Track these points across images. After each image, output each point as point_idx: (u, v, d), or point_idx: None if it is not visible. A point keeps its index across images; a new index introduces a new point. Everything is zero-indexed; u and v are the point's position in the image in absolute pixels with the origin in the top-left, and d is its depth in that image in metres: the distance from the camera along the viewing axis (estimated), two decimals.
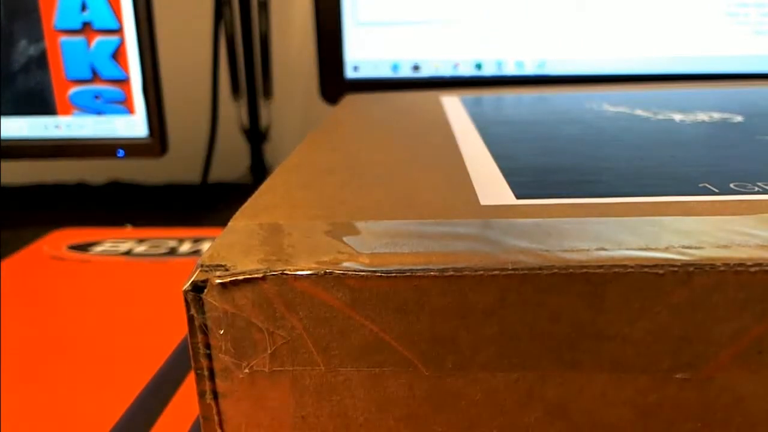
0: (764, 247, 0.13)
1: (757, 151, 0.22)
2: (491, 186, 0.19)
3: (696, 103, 0.33)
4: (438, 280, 0.13)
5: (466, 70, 0.54)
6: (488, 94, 0.40)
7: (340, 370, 0.14)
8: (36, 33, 0.50)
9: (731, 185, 0.18)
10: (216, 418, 0.14)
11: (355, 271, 0.13)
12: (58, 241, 0.46)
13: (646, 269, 0.13)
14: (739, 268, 0.13)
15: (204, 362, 0.14)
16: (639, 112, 0.31)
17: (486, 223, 0.15)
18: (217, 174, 0.64)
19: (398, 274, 0.13)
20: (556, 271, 0.13)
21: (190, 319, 0.14)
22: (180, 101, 0.66)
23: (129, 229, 0.49)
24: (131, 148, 0.51)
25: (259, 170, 0.63)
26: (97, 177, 0.65)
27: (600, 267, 0.13)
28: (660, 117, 0.29)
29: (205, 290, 0.13)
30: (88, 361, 0.29)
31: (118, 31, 0.49)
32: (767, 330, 0.13)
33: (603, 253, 0.13)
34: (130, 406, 0.26)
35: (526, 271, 0.13)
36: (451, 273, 0.13)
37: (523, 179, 0.19)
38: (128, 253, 0.43)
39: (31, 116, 0.52)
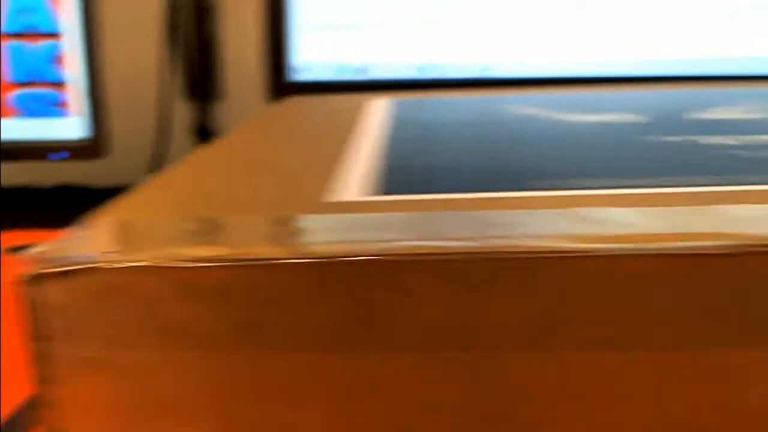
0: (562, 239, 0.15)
1: (642, 151, 0.23)
2: (348, 185, 0.20)
3: (611, 104, 0.34)
4: (239, 269, 0.14)
5: (410, 73, 0.55)
6: (428, 97, 0.41)
7: (160, 355, 0.15)
8: None
9: (545, 183, 0.19)
10: (52, 403, 0.15)
11: (170, 262, 0.14)
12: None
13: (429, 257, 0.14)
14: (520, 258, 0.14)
15: (38, 349, 0.15)
16: (551, 113, 0.32)
17: (284, 217, 0.17)
18: None
19: (202, 265, 0.14)
20: (294, 261, 0.14)
21: (25, 308, 0.15)
22: (132, 104, 0.67)
23: None
24: (73, 150, 0.52)
25: None
26: (46, 180, 0.65)
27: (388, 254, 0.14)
28: (566, 118, 0.30)
29: (39, 281, 0.14)
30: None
31: (59, 35, 0.50)
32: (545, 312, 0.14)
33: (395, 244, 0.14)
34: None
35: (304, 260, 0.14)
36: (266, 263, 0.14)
37: (397, 177, 0.20)
38: None
39: None
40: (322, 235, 0.15)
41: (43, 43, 0.51)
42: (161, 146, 0.59)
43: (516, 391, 0.15)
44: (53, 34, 0.50)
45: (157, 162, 0.59)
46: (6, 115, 0.52)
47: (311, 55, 0.55)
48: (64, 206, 0.58)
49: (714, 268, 0.14)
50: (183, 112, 0.61)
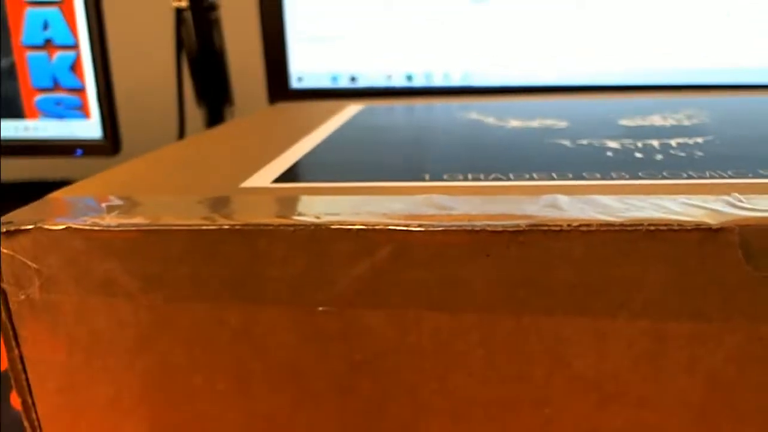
0: (385, 214, 0.18)
1: (533, 151, 0.26)
2: (268, 175, 0.23)
3: (542, 111, 0.36)
4: (143, 233, 0.18)
5: (398, 81, 0.59)
6: (406, 104, 0.43)
7: (87, 300, 0.19)
8: (6, 49, 0.56)
9: (444, 175, 0.22)
10: (11, 333, 0.20)
11: (95, 226, 0.18)
12: None
13: (282, 227, 0.17)
14: (348, 228, 0.17)
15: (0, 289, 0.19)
16: (490, 119, 0.34)
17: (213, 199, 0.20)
18: None
19: (118, 229, 0.18)
20: (215, 228, 0.18)
21: None
22: (151, 108, 0.72)
23: None
24: (88, 148, 0.58)
25: None
26: (76, 175, 0.72)
27: (247, 225, 0.18)
28: (500, 123, 0.33)
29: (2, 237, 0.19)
30: None
31: (75, 46, 0.56)
32: (371, 272, 0.17)
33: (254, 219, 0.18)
34: None
35: (197, 229, 0.18)
36: (155, 228, 0.18)
37: (308, 170, 0.24)
38: None
39: (4, 119, 0.59)
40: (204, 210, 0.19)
41: (61, 54, 0.57)
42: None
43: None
44: (70, 46, 0.56)
45: None
46: (31, 117, 0.58)
47: (305, 65, 0.60)
48: None
49: (502, 242, 0.17)
50: (195, 117, 0.67)
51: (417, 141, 0.29)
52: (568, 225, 0.16)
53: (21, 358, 0.20)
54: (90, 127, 0.58)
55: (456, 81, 0.58)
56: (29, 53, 0.57)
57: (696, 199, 0.18)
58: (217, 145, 0.30)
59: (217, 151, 0.28)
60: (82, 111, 0.57)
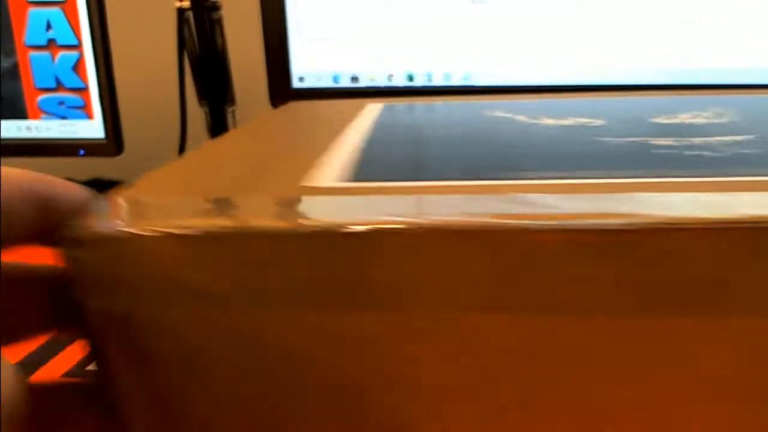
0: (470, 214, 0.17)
1: (581, 149, 0.25)
2: (326, 174, 0.22)
3: (573, 109, 0.36)
4: (244, 237, 0.16)
5: (399, 81, 0.59)
6: (419, 102, 0.42)
7: (172, 309, 0.17)
8: (9, 49, 0.57)
9: (496, 174, 0.21)
10: (94, 352, 0.18)
11: (182, 231, 0.16)
12: None
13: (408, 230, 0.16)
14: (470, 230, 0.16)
15: (78, 303, 0.17)
16: (521, 117, 0.33)
17: (263, 199, 0.19)
18: None
19: (205, 234, 0.17)
20: (293, 233, 0.16)
21: (66, 268, 0.17)
22: (153, 108, 0.73)
23: None
24: (90, 148, 0.58)
25: None
26: (80, 175, 0.72)
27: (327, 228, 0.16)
28: (534, 121, 0.32)
29: (77, 245, 0.16)
30: None
31: (78, 46, 0.56)
32: (498, 277, 0.16)
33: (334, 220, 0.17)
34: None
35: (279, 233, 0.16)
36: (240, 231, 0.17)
37: (368, 168, 0.23)
38: None
39: (7, 120, 0.59)
40: (312, 211, 0.18)
41: (64, 54, 0.57)
42: (182, 147, 0.66)
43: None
44: (73, 46, 0.56)
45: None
46: (34, 117, 0.59)
47: (306, 65, 0.60)
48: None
49: (616, 242, 0.16)
50: (197, 117, 0.67)
51: (464, 140, 0.28)
52: (695, 223, 0.16)
53: (106, 377, 0.18)
54: (92, 127, 0.59)
55: (457, 81, 0.59)
56: (32, 53, 0.57)
57: None
58: (254, 145, 0.29)
59: (256, 150, 0.27)
60: (85, 111, 0.58)
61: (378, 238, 0.16)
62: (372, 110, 0.39)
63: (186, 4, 0.62)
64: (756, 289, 0.16)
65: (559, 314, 0.17)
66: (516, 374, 0.17)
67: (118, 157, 0.61)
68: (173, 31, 0.62)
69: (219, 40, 0.63)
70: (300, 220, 0.17)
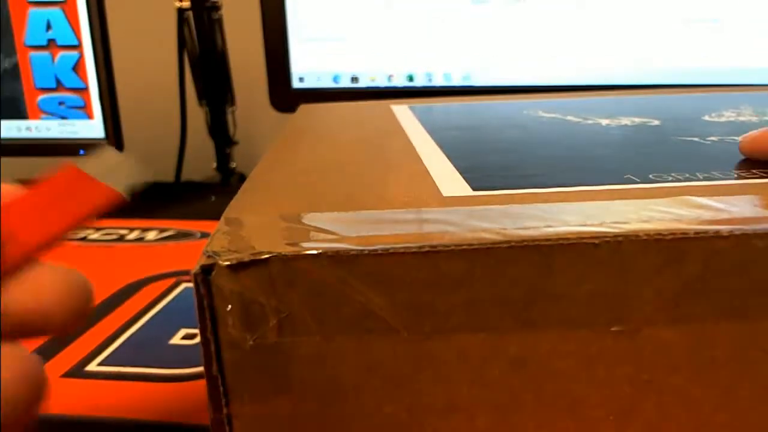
0: (677, 220, 0.16)
1: (670, 150, 0.25)
2: (450, 181, 0.21)
3: (619, 109, 0.36)
4: (416, 255, 0.15)
5: (399, 81, 0.59)
6: (436, 103, 0.43)
7: (334, 338, 0.16)
8: (9, 49, 0.57)
9: (650, 176, 0.21)
10: (221, 388, 0.16)
11: (345, 251, 0.15)
12: None
13: (585, 240, 0.15)
14: (657, 237, 0.15)
15: (210, 336, 0.16)
16: (570, 117, 0.34)
17: (449, 209, 0.18)
18: (188, 174, 0.70)
19: (383, 252, 0.15)
20: (513, 244, 0.15)
21: (199, 298, 0.15)
22: (153, 108, 0.73)
23: None
24: (90, 148, 0.58)
25: (226, 171, 0.70)
26: None
27: (548, 240, 0.15)
28: (589, 122, 0.32)
29: (213, 272, 0.15)
30: None
31: (78, 46, 0.56)
32: (682, 286, 0.16)
33: (550, 230, 0.16)
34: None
35: (489, 245, 0.15)
36: (427, 249, 0.15)
37: (477, 175, 0.22)
38: (84, 238, 0.50)
39: (6, 120, 0.59)
40: (478, 223, 0.17)
41: (64, 54, 0.57)
42: (182, 148, 0.66)
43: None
44: (73, 46, 0.56)
45: (180, 158, 0.67)
46: (34, 117, 0.59)
47: (306, 65, 0.60)
48: None
49: None
50: (197, 117, 0.67)
51: (544, 143, 0.28)
52: None
53: (229, 418, 0.16)
54: (92, 128, 0.58)
55: (457, 81, 0.58)
56: (32, 53, 0.57)
57: None
58: (328, 153, 0.27)
59: (342, 160, 0.26)
60: (85, 111, 0.58)
61: (560, 251, 0.16)
62: (408, 113, 0.37)
63: (186, 4, 0.62)
64: None
65: (729, 321, 0.16)
66: (674, 386, 0.17)
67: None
68: (173, 31, 0.62)
69: (219, 40, 0.63)
70: (504, 233, 0.16)
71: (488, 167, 0.23)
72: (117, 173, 0.18)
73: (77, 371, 0.31)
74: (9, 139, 0.59)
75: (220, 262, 0.15)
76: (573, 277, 0.16)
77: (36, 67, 0.57)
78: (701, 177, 0.21)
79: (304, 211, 0.18)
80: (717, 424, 0.17)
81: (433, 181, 0.21)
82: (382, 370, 0.16)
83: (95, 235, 0.51)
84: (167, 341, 0.34)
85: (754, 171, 0.21)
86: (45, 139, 0.59)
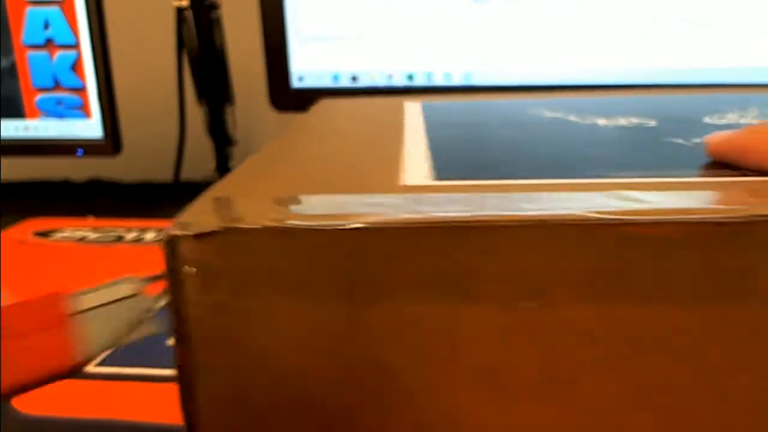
0: (593, 209, 0.17)
1: (653, 151, 0.26)
2: (417, 172, 0.23)
3: (618, 109, 0.36)
4: (342, 231, 0.17)
5: (399, 81, 0.59)
6: (452, 101, 0.43)
7: (280, 301, 0.18)
8: (7, 48, 0.57)
9: (612, 173, 0.22)
10: (186, 339, 0.18)
11: (286, 226, 0.17)
12: (26, 228, 0.53)
13: (498, 223, 0.17)
14: (564, 222, 0.17)
15: (178, 295, 0.18)
16: (571, 117, 0.34)
17: (396, 195, 0.20)
18: (187, 173, 0.70)
19: (317, 228, 0.17)
20: (431, 225, 0.17)
21: (167, 263, 0.18)
22: (152, 107, 0.73)
23: (90, 219, 0.55)
24: (89, 147, 0.58)
25: (225, 170, 0.69)
26: (78, 175, 0.72)
27: (465, 222, 0.17)
28: (587, 121, 0.32)
29: (178, 240, 0.18)
30: None
31: (76, 46, 0.56)
32: (591, 269, 0.17)
33: (467, 214, 0.17)
34: None
35: (409, 225, 0.17)
36: (352, 226, 0.17)
37: (448, 167, 0.23)
38: (82, 239, 0.50)
39: (4, 119, 0.59)
40: (419, 207, 0.18)
41: (62, 53, 0.57)
42: (181, 147, 0.66)
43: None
44: (71, 45, 0.56)
45: (179, 158, 0.66)
46: (32, 116, 0.59)
47: (306, 65, 0.60)
48: (96, 198, 0.65)
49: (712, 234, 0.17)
50: (196, 116, 0.67)
51: (534, 139, 0.29)
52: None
53: (193, 364, 0.19)
54: (91, 127, 0.58)
55: (457, 80, 0.59)
56: (30, 53, 0.57)
57: None
58: (320, 146, 0.29)
59: (325, 151, 0.27)
60: (83, 110, 0.58)
61: (493, 232, 0.17)
62: (416, 108, 0.39)
63: (185, 3, 0.61)
64: None
65: (641, 306, 0.17)
66: (589, 363, 0.18)
67: (116, 157, 0.61)
68: (172, 30, 0.62)
69: (218, 40, 0.63)
70: (419, 215, 0.18)
71: (465, 161, 0.24)
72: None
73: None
74: (7, 139, 0.59)
75: (184, 232, 0.18)
76: (484, 254, 0.17)
77: (34, 66, 0.57)
78: (663, 175, 0.22)
79: (270, 192, 0.21)
80: (625, 402, 0.18)
81: (402, 172, 0.23)
82: (319, 333, 0.18)
83: (94, 236, 0.50)
84: (166, 342, 0.34)
85: (719, 171, 0.22)
86: (43, 138, 0.59)
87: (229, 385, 0.19)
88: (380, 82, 0.59)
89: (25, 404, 0.27)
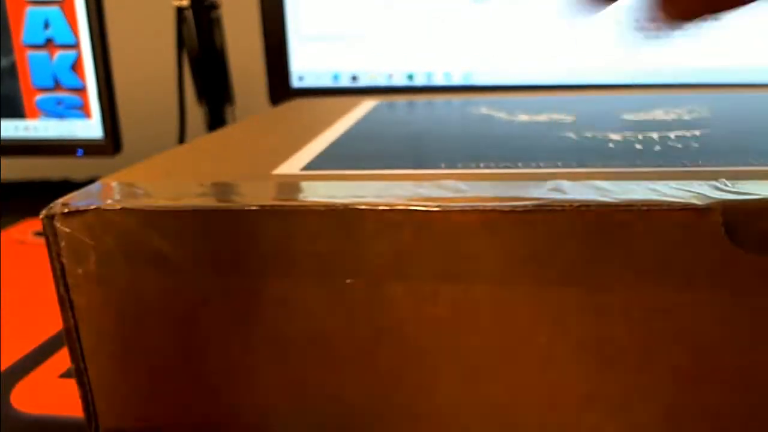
0: (408, 197, 0.19)
1: (538, 144, 0.27)
2: (296, 163, 0.25)
3: (550, 106, 0.37)
4: (185, 212, 0.20)
5: (399, 81, 0.59)
6: (415, 99, 0.44)
7: (139, 272, 0.21)
8: (7, 48, 0.57)
9: (475, 164, 0.24)
10: (68, 304, 0.22)
11: (143, 207, 0.20)
12: (26, 228, 0.53)
13: (318, 208, 0.19)
14: (375, 209, 0.19)
15: (57, 265, 0.21)
16: (501, 114, 0.35)
17: (255, 183, 0.22)
18: None
19: (168, 209, 0.20)
20: (258, 208, 0.20)
21: (46, 237, 0.21)
22: (152, 107, 0.73)
23: None
24: (89, 147, 0.58)
25: None
26: (78, 175, 0.72)
27: (290, 206, 0.20)
28: (510, 118, 0.34)
29: (54, 217, 0.21)
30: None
31: (76, 46, 0.56)
32: (400, 249, 0.19)
33: (295, 202, 0.20)
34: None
35: (232, 209, 0.20)
36: (191, 209, 0.20)
37: (327, 160, 0.26)
38: None
39: (4, 119, 0.59)
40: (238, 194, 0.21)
41: (62, 53, 0.57)
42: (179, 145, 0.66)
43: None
44: (71, 45, 0.56)
45: None
46: (32, 116, 0.59)
47: (306, 64, 0.60)
48: None
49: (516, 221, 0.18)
50: (196, 116, 0.67)
51: (432, 134, 0.31)
52: (570, 205, 0.18)
53: (76, 327, 0.22)
54: (91, 127, 0.58)
55: (457, 80, 0.59)
56: (30, 52, 0.57)
57: (686, 184, 0.19)
58: (246, 137, 0.32)
59: (246, 142, 0.30)
60: (83, 110, 0.58)
61: (296, 215, 0.19)
62: (365, 107, 0.40)
63: (185, 2, 0.61)
64: (622, 265, 0.18)
65: (447, 283, 0.19)
66: (406, 335, 0.20)
67: (116, 157, 0.61)
68: (172, 30, 0.62)
69: (218, 39, 0.63)
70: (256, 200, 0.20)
71: (350, 154, 0.27)
72: None
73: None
74: (7, 139, 0.59)
75: (58, 211, 0.21)
76: (309, 237, 0.20)
77: (34, 66, 0.57)
78: (520, 165, 0.24)
79: (158, 179, 0.24)
80: (444, 374, 0.20)
81: (282, 163, 0.25)
82: (169, 301, 0.21)
83: None
84: None
85: (559, 162, 0.24)
86: (43, 138, 0.59)
87: (108, 344, 0.22)
88: (380, 82, 0.59)
89: (25, 404, 0.28)
